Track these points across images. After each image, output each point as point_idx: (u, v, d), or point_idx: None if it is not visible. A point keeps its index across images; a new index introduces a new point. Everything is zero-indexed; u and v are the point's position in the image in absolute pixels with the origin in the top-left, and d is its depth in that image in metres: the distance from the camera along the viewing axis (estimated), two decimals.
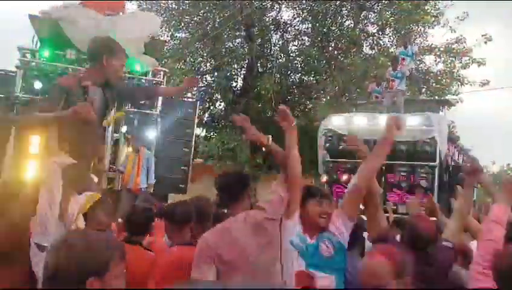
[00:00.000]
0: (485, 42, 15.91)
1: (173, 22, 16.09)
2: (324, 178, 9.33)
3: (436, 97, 14.34)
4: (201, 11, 16.07)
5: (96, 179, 6.49)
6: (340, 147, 9.13)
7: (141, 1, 16.01)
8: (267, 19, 16.76)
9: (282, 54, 16.81)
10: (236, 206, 2.62)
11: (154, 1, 16.07)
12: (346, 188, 8.19)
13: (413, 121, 8.39)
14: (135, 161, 7.49)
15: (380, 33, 16.79)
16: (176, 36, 16.55)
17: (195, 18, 16.19)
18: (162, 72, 8.61)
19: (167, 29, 16.40)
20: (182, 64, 16.13)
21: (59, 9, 7.17)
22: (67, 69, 7.37)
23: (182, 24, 16.34)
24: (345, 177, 9.11)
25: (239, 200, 2.64)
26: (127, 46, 7.06)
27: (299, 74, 16.92)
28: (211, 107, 16.76)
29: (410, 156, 8.28)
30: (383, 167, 8.88)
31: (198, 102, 9.24)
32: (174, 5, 16.22)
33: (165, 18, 16.13)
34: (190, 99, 9.20)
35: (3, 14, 37.50)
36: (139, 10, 10.82)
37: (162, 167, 8.09)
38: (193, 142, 8.80)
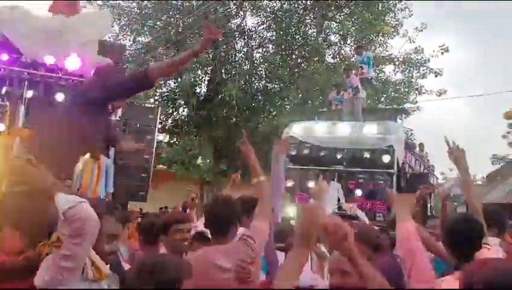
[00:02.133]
0: (442, 53, 16.57)
1: (135, 26, 15.86)
2: (289, 183, 9.40)
3: (395, 106, 14.77)
4: (165, 16, 15.94)
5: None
6: (303, 154, 9.27)
7: (102, 1, 15.71)
8: (232, 26, 16.81)
9: (246, 61, 16.88)
10: (223, 241, 2.46)
11: (114, 2, 15.76)
12: (307, 194, 8.29)
13: (371, 129, 8.62)
14: (94, 169, 7.30)
15: (342, 42, 17.15)
16: (139, 40, 16.34)
17: (159, 22, 16.03)
18: None
19: (129, 33, 16.17)
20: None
21: (3, 11, 6.89)
22: (23, 73, 7.12)
23: (145, 28, 16.14)
24: (307, 184, 9.24)
25: (227, 234, 2.50)
26: (79, 48, 6.93)
27: (263, 81, 17.04)
28: (174, 113, 16.61)
29: (369, 164, 8.48)
30: (344, 174, 9.10)
31: (159, 108, 9.09)
32: (136, 9, 15.99)
33: (127, 22, 15.91)
34: (151, 105, 9.08)
35: None
36: (89, 10, 10.49)
37: (121, 174, 7.91)
38: (154, 149, 8.65)
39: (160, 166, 16.14)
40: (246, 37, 17.03)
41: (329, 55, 17.30)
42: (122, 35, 16.08)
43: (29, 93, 7.18)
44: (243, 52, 17.16)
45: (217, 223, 2.51)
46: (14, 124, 7.21)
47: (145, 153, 8.08)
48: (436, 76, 16.81)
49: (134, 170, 8.08)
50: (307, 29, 16.98)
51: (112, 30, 15.42)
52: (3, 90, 7.14)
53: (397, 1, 16.50)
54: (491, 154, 25.82)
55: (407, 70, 17.04)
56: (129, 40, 16.14)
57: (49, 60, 6.83)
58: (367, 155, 8.44)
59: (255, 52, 17.11)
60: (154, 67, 3.06)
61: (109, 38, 15.01)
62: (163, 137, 16.08)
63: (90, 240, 1.91)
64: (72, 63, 6.94)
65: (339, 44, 17.19)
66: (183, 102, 16.25)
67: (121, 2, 15.92)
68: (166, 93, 16.07)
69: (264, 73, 16.84)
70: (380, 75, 16.76)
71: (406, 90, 17.03)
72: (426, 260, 2.11)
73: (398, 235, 2.17)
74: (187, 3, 15.73)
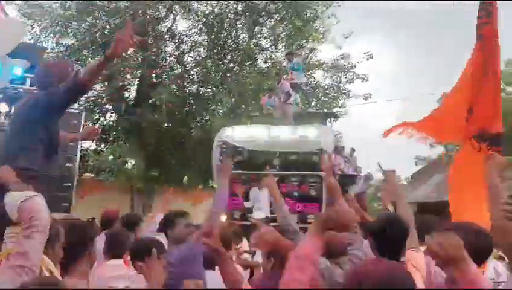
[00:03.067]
0: (367, 59, 17.35)
1: (58, 27, 14.99)
2: None
3: (325, 110, 15.18)
4: (91, 17, 15.23)
5: None
6: (236, 158, 9.21)
7: (23, 1, 14.70)
8: (162, 29, 16.44)
9: (178, 65, 16.58)
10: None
11: (36, 1, 14.80)
12: (241, 199, 8.20)
13: (302, 133, 8.77)
14: None
15: (273, 48, 17.39)
16: (62, 43, 15.46)
17: (83, 24, 15.28)
18: None
19: (52, 35, 15.26)
20: None
21: None
22: None
23: (69, 30, 15.31)
24: (240, 188, 9.19)
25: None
26: None
27: (196, 85, 16.82)
28: (101, 119, 15.89)
29: (300, 167, 8.61)
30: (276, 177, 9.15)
31: (84, 113, 8.62)
32: (59, 10, 15.12)
33: (50, 24, 15.00)
34: (75, 110, 8.57)
35: None
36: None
37: (43, 185, 7.39)
38: (78, 157, 8.19)
39: (88, 174, 15.38)
40: (177, 40, 16.74)
41: (261, 59, 17.46)
42: (45, 37, 15.16)
43: None
44: (174, 56, 16.83)
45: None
46: None
47: (67, 161, 7.64)
48: (362, 81, 17.54)
49: (56, 180, 7.58)
50: (239, 33, 17.03)
51: (32, 32, 14.54)
52: None
53: (324, 8, 17.00)
54: (414, 155, 27.22)
55: (336, 76, 17.64)
56: (51, 43, 15.24)
57: None
58: (298, 158, 8.56)
59: (186, 56, 16.86)
60: (84, 73, 2.84)
61: (29, 40, 14.09)
62: (90, 144, 15.31)
63: (43, 233, 1.89)
64: None
65: (270, 49, 17.40)
66: (110, 107, 15.61)
67: (42, 2, 14.98)
68: (92, 98, 15.33)
69: (196, 77, 16.63)
70: (310, 80, 17.19)
71: (335, 94, 17.62)
72: None
73: None
74: (114, 5, 15.14)
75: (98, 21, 15.13)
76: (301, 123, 9.67)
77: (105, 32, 14.77)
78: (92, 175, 15.26)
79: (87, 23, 15.23)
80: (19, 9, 14.63)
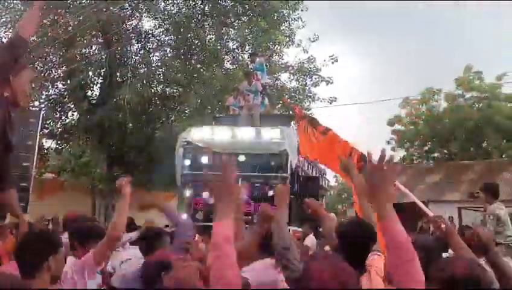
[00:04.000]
0: (332, 62, 17.67)
1: (16, 24, 14.50)
2: (187, 194, 9.22)
3: (291, 112, 15.34)
4: (51, 14, 14.81)
5: None
6: (201, 160, 9.19)
7: None
8: (127, 27, 16.17)
9: (143, 64, 16.35)
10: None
11: None
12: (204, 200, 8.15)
13: (266, 135, 8.83)
14: None
15: (240, 49, 17.43)
16: None
17: (45, 20, 14.84)
18: None
19: (11, 31, 14.73)
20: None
21: None
22: None
23: None
24: (204, 190, 9.16)
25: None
26: None
27: (161, 85, 16.64)
28: (63, 117, 15.47)
29: (264, 168, 8.67)
30: (239, 179, 9.17)
31: (42, 111, 8.38)
32: (19, 5, 14.64)
33: (9, 18, 14.50)
34: (34, 108, 8.30)
35: None
36: None
37: None
38: (35, 156, 7.95)
39: (48, 174, 14.96)
40: (142, 39, 16.51)
41: (228, 61, 17.47)
42: (4, 33, 14.63)
43: None
44: (139, 55, 16.59)
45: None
46: None
47: (24, 161, 7.40)
48: (327, 84, 17.84)
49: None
50: (206, 34, 16.96)
51: None
52: None
53: (291, 11, 17.17)
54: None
55: (301, 79, 17.85)
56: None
57: None
58: (262, 160, 8.62)
59: (152, 55, 16.65)
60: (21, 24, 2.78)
61: None
62: (50, 143, 14.89)
63: None
64: None
65: (236, 50, 17.42)
66: (72, 105, 15.22)
67: None
68: (53, 96, 14.91)
69: (162, 77, 16.45)
70: (276, 82, 17.33)
71: (300, 97, 17.82)
72: None
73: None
74: (77, 1, 14.81)
75: (59, 18, 14.72)
76: (267, 125, 9.73)
77: (69, 29, 14.41)
78: (53, 175, 14.86)
79: (49, 19, 14.80)
80: None
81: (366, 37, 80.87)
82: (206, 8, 16.44)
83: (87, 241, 3.09)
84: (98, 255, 2.77)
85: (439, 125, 24.17)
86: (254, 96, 10.48)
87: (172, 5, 16.35)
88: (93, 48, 15.94)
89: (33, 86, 13.90)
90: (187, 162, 9.28)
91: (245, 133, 9.09)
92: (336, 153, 4.92)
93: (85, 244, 3.07)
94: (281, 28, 17.34)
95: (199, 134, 9.38)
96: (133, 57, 16.61)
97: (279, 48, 17.80)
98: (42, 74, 14.84)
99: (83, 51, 15.45)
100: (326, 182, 14.34)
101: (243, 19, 16.86)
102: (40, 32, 14.57)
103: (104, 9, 14.18)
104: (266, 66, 11.79)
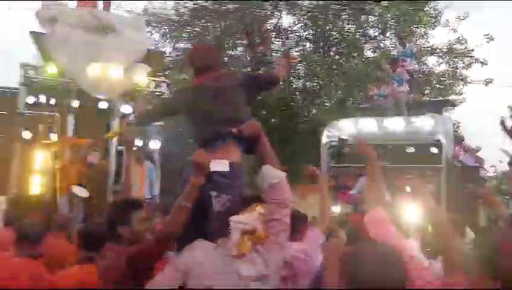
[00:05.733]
0: (488, 42, 15.94)
1: (175, 33, 16.15)
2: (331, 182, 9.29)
3: (440, 98, 14.29)
4: (202, 21, 16.13)
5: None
6: (345, 152, 9.14)
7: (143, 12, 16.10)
8: (268, 26, 16.80)
9: None
10: None
11: (154, 11, 16.11)
12: (350, 192, 8.09)
13: (417, 124, 8.37)
14: (138, 173, 7.48)
15: (381, 36, 16.79)
16: (177, 47, 16.61)
17: (196, 28, 16.24)
18: (164, 83, 8.62)
19: (169, 41, 16.49)
20: (186, 74, 16.20)
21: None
22: (69, 84, 7.42)
23: (184, 35, 16.40)
24: (349, 182, 9.10)
25: None
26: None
27: (302, 80, 16.91)
28: None
29: (417, 159, 8.24)
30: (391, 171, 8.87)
31: None
32: (174, 17, 16.28)
33: (166, 30, 16.22)
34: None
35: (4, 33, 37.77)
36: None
37: (166, 179, 8.10)
38: None
39: None
40: (282, 36, 17.00)
41: (369, 49, 16.96)
42: (163, 43, 16.42)
43: (76, 103, 7.49)
44: (280, 52, 17.11)
45: None
46: (64, 132, 7.54)
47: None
48: (482, 66, 16.15)
49: (178, 175, 8.22)
50: (344, 24, 16.73)
51: (152, 38, 15.80)
52: (53, 101, 7.46)
53: None
54: None
55: (451, 62, 16.44)
56: (169, 48, 16.45)
57: (94, 71, 7.07)
58: (413, 150, 8.20)
59: (292, 51, 17.02)
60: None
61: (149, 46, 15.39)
62: None
63: None
64: (115, 74, 7.18)
65: (378, 37, 16.83)
66: None
67: (160, 11, 16.31)
68: None
69: (302, 72, 16.72)
70: (423, 67, 16.27)
71: (451, 81, 16.43)
72: None
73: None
74: (223, 8, 15.88)
75: (209, 24, 15.96)
76: (415, 113, 9.23)
77: (217, 34, 15.55)
78: None
79: (200, 27, 16.16)
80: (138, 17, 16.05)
81: None
82: None
83: None
84: None
85: None
86: (399, 84, 10.01)
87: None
88: (239, 49, 16.92)
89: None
90: (332, 155, 9.30)
91: (393, 123, 8.74)
92: None
93: None
94: (425, 9, 16.21)
95: (344, 126, 9.32)
96: (274, 54, 17.20)
97: (424, 30, 16.67)
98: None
99: (230, 53, 16.51)
100: (485, 173, 13.03)
101: (383, 3, 16.18)
102: (192, 39, 16.04)
103: (247, 12, 14.93)
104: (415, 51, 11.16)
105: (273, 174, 2.15)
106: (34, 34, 7.61)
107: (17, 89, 7.92)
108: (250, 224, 2.00)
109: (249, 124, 2.45)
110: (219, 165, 2.25)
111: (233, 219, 2.04)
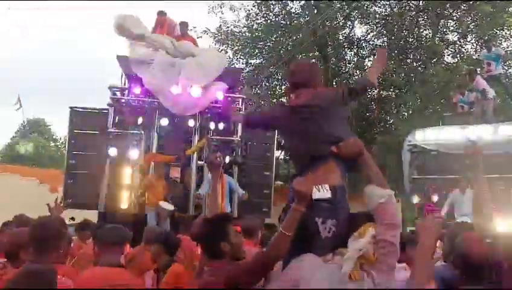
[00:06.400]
0: None
1: (247, 49, 16.52)
2: (415, 200, 8.89)
3: None
4: (274, 36, 16.35)
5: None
6: (430, 163, 8.74)
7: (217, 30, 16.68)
8: (340, 37, 16.65)
9: (357, 71, 16.52)
10: None
11: (228, 29, 16.61)
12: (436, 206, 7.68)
13: (508, 131, 7.81)
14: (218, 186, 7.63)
15: (462, 40, 15.96)
16: (251, 63, 16.95)
17: (269, 43, 16.49)
18: (240, 99, 8.77)
19: (242, 57, 16.88)
20: (258, 89, 16.46)
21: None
22: (154, 103, 7.80)
23: (256, 50, 16.72)
24: (435, 195, 8.66)
25: None
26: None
27: (377, 89, 16.49)
28: None
29: (507, 169, 7.65)
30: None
31: None
32: (247, 33, 16.67)
33: (240, 46, 16.63)
34: None
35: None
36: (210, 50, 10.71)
37: (244, 191, 8.21)
38: (274, 166, 8.83)
39: (278, 182, 16.38)
40: (355, 46, 16.74)
41: (448, 55, 16.18)
42: (236, 60, 16.85)
43: (163, 122, 7.86)
44: (353, 63, 16.86)
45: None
46: (149, 150, 7.94)
47: (265, 170, 8.34)
48: None
49: (256, 187, 8.33)
50: (421, 31, 16.13)
51: (226, 56, 16.29)
52: (139, 120, 7.89)
53: None
54: None
55: None
56: (242, 63, 16.84)
57: (176, 90, 7.40)
58: (505, 160, 7.62)
59: (366, 60, 16.70)
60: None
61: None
62: (279, 153, 16.33)
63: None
64: (195, 92, 7.47)
65: (458, 42, 16.00)
66: None
67: (233, 28, 16.81)
68: None
69: (377, 81, 16.27)
70: (509, 71, 15.18)
71: None
72: None
73: None
74: (295, 22, 15.99)
75: (281, 38, 16.14)
76: (504, 119, 8.61)
77: (289, 48, 15.66)
78: (281, 183, 16.19)
79: (272, 42, 16.38)
80: (214, 36, 16.65)
81: None
82: (421, 2, 15.62)
83: None
84: None
85: None
86: (497, 65, 9.41)
87: (384, 7, 16.10)
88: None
89: (262, 102, 15.59)
90: (415, 166, 8.92)
91: (480, 131, 8.20)
92: None
93: None
94: (509, 10, 15.15)
95: (426, 136, 8.91)
96: (348, 65, 16.97)
97: (508, 32, 15.60)
98: (268, 92, 16.49)
99: None
100: None
101: (463, 6, 15.38)
102: (265, 54, 16.29)
103: (319, 24, 14.89)
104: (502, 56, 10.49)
105: (379, 193, 2.08)
106: (120, 58, 8.12)
107: (106, 109, 8.44)
108: (364, 249, 1.97)
109: (349, 141, 2.31)
110: (321, 192, 2.23)
111: (351, 246, 2.01)
